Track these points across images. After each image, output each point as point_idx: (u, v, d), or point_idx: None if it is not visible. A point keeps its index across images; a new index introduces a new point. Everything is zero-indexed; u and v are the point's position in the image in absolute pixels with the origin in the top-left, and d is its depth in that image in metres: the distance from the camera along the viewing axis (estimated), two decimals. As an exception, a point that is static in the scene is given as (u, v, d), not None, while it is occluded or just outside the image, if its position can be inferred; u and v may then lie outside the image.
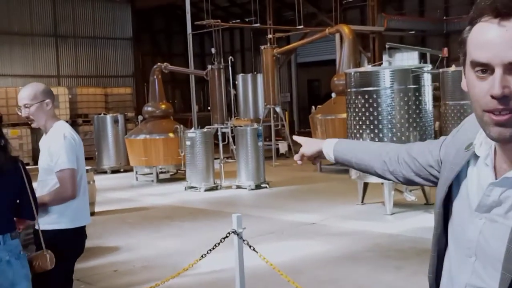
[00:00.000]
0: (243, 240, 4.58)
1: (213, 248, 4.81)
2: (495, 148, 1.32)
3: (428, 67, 9.99)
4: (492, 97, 1.19)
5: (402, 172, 1.75)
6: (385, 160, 1.82)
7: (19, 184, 3.35)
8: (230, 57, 17.23)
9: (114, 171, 16.17)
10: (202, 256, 4.91)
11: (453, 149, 1.46)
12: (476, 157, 1.36)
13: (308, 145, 2.19)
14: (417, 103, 9.15)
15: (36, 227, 3.57)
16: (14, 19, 23.01)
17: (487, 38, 1.19)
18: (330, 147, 2.07)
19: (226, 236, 4.68)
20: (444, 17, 22.32)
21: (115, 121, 16.42)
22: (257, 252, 4.73)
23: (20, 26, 23.21)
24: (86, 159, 14.39)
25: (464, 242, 1.34)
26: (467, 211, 1.34)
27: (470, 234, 1.32)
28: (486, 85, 1.20)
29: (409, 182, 1.76)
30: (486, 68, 1.20)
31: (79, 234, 3.81)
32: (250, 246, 4.66)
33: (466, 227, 1.33)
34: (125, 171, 15.98)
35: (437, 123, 13.22)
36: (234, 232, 4.56)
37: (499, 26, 1.19)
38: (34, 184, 3.60)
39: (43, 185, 3.75)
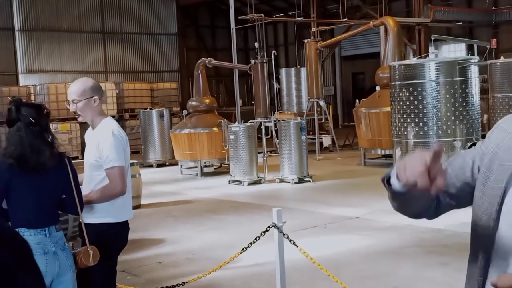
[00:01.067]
0: (284, 234, 4.61)
1: (254, 242, 4.86)
2: None
3: (475, 59, 9.78)
4: None
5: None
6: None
7: (64, 180, 3.44)
8: (274, 51, 17.24)
9: (160, 165, 16.43)
10: (243, 249, 4.96)
11: (493, 147, 1.45)
12: None
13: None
14: (464, 95, 8.98)
15: (85, 221, 3.65)
16: (63, 17, 23.60)
17: None
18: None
19: (267, 230, 4.71)
20: (493, 8, 21.73)
21: (161, 116, 16.67)
22: (297, 246, 4.74)
23: (69, 23, 23.79)
24: (133, 153, 14.67)
25: None
26: None
27: None
28: None
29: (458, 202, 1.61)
30: None
31: (123, 228, 3.89)
32: (290, 240, 4.68)
33: None
34: (170, 164, 16.21)
35: (485, 116, 12.93)
36: (275, 226, 4.58)
37: None
38: (80, 179, 3.71)
39: (89, 181, 3.82)
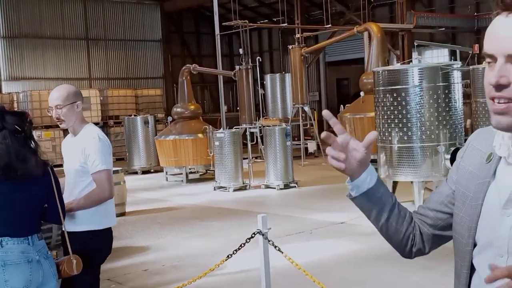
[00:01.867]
0: (269, 240, 4.60)
1: (239, 249, 4.84)
2: None
3: (458, 64, 9.86)
4: (491, 84, 1.28)
5: (423, 230, 1.62)
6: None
7: (47, 188, 3.42)
8: (258, 57, 17.27)
9: (145, 172, 16.36)
10: (228, 256, 4.95)
11: (468, 167, 1.48)
12: (497, 163, 1.40)
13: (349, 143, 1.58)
14: (447, 100, 9.03)
15: (68, 229, 3.62)
16: (46, 23, 23.45)
17: (493, 31, 1.30)
18: (366, 182, 1.60)
19: (252, 237, 4.70)
20: (475, 14, 21.97)
21: (145, 122, 16.61)
22: (282, 252, 4.74)
23: (52, 30, 23.65)
24: (117, 160, 14.65)
25: (494, 241, 1.34)
26: (495, 212, 1.35)
27: (500, 232, 1.33)
28: (491, 74, 1.29)
29: (431, 243, 1.63)
30: (492, 60, 1.29)
31: (107, 235, 3.87)
32: (275, 246, 4.68)
33: (496, 227, 1.34)
34: (155, 171, 16.16)
35: (468, 121, 13.04)
36: (259, 232, 4.57)
37: (506, 20, 1.28)
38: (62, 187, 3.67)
39: (73, 187, 3.80)
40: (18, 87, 22.00)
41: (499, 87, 1.26)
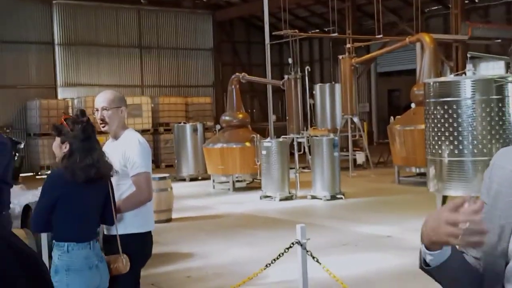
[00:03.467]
0: (307, 251, 4.55)
1: (277, 258, 4.81)
2: None
3: (513, 76, 9.58)
4: None
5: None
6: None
7: (106, 190, 3.50)
8: (307, 67, 17.21)
9: (193, 179, 16.51)
10: (266, 265, 4.92)
11: (496, 186, 1.45)
12: None
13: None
14: (500, 114, 8.79)
15: (113, 232, 3.68)
16: (101, 31, 24.07)
17: None
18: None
19: (290, 247, 4.67)
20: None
21: (194, 130, 16.79)
22: (320, 264, 4.68)
23: (107, 38, 24.24)
24: (167, 166, 14.85)
25: None
26: None
27: None
28: None
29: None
30: None
31: (147, 239, 3.91)
32: (313, 258, 4.62)
33: None
34: (203, 179, 16.28)
35: (523, 135, 12.62)
36: (298, 242, 4.53)
37: None
38: None
39: (116, 190, 3.88)
40: (73, 93, 22.63)
41: None
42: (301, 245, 4.50)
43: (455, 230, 1.28)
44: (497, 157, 1.52)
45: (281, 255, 4.85)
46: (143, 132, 18.05)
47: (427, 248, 1.42)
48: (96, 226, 3.51)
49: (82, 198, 3.37)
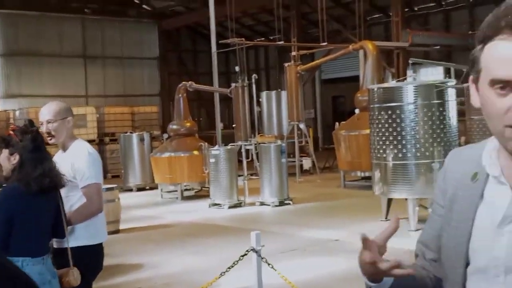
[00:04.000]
0: (262, 258, 4.57)
1: (232, 266, 4.81)
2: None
3: (452, 82, 9.92)
4: None
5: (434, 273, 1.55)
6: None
7: (57, 202, 3.41)
8: (254, 74, 17.32)
9: (140, 189, 16.31)
10: (220, 274, 4.92)
11: (451, 189, 1.45)
12: (485, 183, 1.37)
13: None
14: (441, 118, 9.07)
15: (64, 245, 3.60)
16: (44, 40, 23.54)
17: (509, 55, 1.22)
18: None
19: (245, 254, 4.68)
20: (470, 32, 22.13)
21: (141, 140, 16.60)
22: (275, 270, 4.71)
23: (50, 47, 23.74)
24: (113, 177, 14.55)
25: (490, 262, 1.32)
26: (489, 233, 1.33)
27: (496, 252, 1.31)
28: (507, 102, 1.22)
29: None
30: (507, 85, 1.22)
31: (98, 251, 3.85)
32: (268, 264, 4.65)
33: (491, 248, 1.32)
34: (151, 188, 16.10)
35: (462, 138, 13.05)
36: (253, 249, 4.55)
37: None
38: None
39: (65, 202, 3.81)
40: (15, 104, 22.01)
41: None
42: (256, 252, 4.52)
43: (374, 268, 1.40)
44: (449, 160, 1.52)
45: (236, 262, 4.85)
46: (88, 142, 17.71)
47: (369, 280, 1.47)
48: (49, 240, 3.41)
49: (37, 210, 3.28)
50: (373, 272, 1.43)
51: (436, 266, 1.52)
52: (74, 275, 3.48)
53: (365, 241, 1.41)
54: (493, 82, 1.24)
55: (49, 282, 3.28)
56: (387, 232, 1.45)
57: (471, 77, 1.33)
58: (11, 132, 3.37)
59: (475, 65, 1.30)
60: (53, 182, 3.29)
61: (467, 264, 1.37)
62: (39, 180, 3.21)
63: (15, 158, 3.28)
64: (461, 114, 11.65)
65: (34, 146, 3.29)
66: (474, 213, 1.36)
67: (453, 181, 1.45)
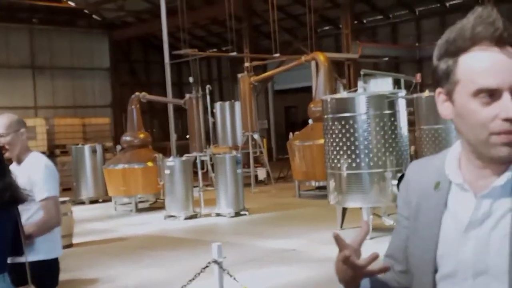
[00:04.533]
0: (224, 270, 4.60)
1: (193, 279, 4.81)
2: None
3: (402, 92, 10.20)
4: (506, 119, 1.24)
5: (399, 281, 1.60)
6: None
7: (15, 218, 3.32)
8: (208, 85, 17.35)
9: (92, 202, 16.04)
10: (182, 287, 4.90)
11: (415, 199, 1.49)
12: (448, 191, 1.41)
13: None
14: (393, 128, 9.30)
15: (19, 260, 3.50)
16: (-11, 51, 22.95)
17: (494, 64, 1.26)
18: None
19: (207, 266, 4.69)
20: (417, 44, 22.81)
21: (93, 151, 16.35)
22: (238, 282, 4.74)
23: (-4, 57, 23.15)
24: (64, 190, 14.24)
25: (457, 267, 1.36)
26: (455, 239, 1.37)
27: (463, 256, 1.35)
28: (493, 110, 1.26)
29: None
30: (491, 94, 1.25)
31: (54, 266, 3.79)
32: (230, 276, 4.68)
33: (457, 253, 1.36)
34: (104, 201, 15.86)
35: (412, 147, 13.42)
36: (215, 261, 4.57)
37: (502, 53, 1.27)
38: None
39: (22, 215, 3.73)
40: (-41, 116, 21.31)
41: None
42: (218, 264, 4.54)
43: (351, 271, 1.45)
44: (410, 171, 1.55)
45: (198, 275, 4.85)
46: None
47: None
48: (7, 257, 3.33)
49: None
50: (351, 276, 1.47)
51: (405, 277, 1.55)
52: None
53: (338, 240, 1.47)
54: (479, 92, 1.27)
55: None
56: (361, 236, 1.50)
57: (439, 90, 1.36)
58: None
59: (450, 78, 1.32)
60: (13, 196, 3.21)
61: (436, 271, 1.41)
62: (1, 194, 3.14)
63: None
64: (410, 124, 12.00)
65: None
66: (440, 220, 1.40)
67: (416, 192, 1.48)
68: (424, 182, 1.47)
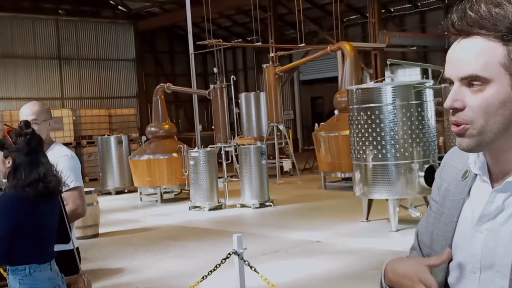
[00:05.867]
0: (244, 261, 4.54)
1: (214, 270, 4.77)
2: (487, 164, 1.37)
3: (429, 82, 9.99)
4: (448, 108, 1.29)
5: None
6: None
7: (60, 206, 3.33)
8: (233, 76, 17.28)
9: (118, 192, 16.16)
10: (203, 277, 4.87)
11: (446, 185, 1.49)
12: (473, 181, 1.41)
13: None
14: (420, 118, 9.12)
15: (70, 246, 3.50)
16: (17, 42, 23.21)
17: (449, 55, 1.32)
18: None
19: (227, 257, 4.64)
20: (445, 32, 22.36)
21: (119, 142, 16.44)
22: (258, 273, 4.68)
23: (24, 49, 23.41)
24: (91, 180, 14.42)
25: (467, 259, 1.35)
26: (468, 230, 1.37)
27: (473, 249, 1.34)
28: (449, 97, 1.30)
29: None
30: (450, 83, 1.31)
31: (75, 256, 3.77)
32: (251, 267, 4.62)
33: (469, 244, 1.35)
34: (129, 191, 15.96)
35: (441, 138, 13.19)
36: (235, 252, 4.51)
37: (458, 44, 1.31)
38: None
39: None
40: (-11, 107, 21.66)
41: (454, 110, 1.28)
42: (238, 255, 4.48)
43: None
44: (448, 156, 1.54)
45: (218, 266, 4.81)
46: (65, 145, 17.51)
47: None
48: (53, 245, 3.33)
49: (40, 216, 3.19)
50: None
51: None
52: (84, 282, 3.39)
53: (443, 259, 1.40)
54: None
55: (59, 287, 3.21)
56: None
57: None
58: (6, 134, 3.27)
59: None
60: (48, 188, 3.18)
61: (450, 259, 1.40)
62: (33, 185, 3.12)
63: (9, 162, 3.19)
64: (438, 114, 11.78)
65: (29, 149, 3.19)
66: (460, 210, 1.40)
67: (448, 177, 1.48)
68: (457, 168, 1.47)
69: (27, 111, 3.77)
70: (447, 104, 1.28)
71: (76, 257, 3.49)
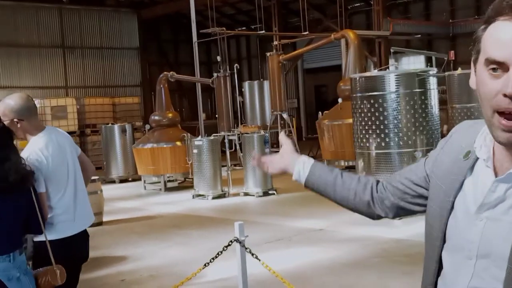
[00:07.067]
0: (246, 248, 4.56)
1: (216, 257, 4.80)
2: (493, 150, 1.33)
3: (433, 70, 9.96)
4: (505, 95, 1.18)
5: (389, 198, 1.68)
6: (371, 188, 1.76)
7: (30, 197, 3.33)
8: (236, 64, 17.25)
9: (122, 181, 16.21)
10: (205, 265, 4.90)
11: (446, 159, 1.46)
12: (473, 163, 1.38)
13: (281, 156, 2.00)
14: (423, 106, 9.10)
15: (42, 238, 3.51)
16: (21, 31, 23.19)
17: (506, 36, 1.19)
18: (302, 173, 1.90)
19: (229, 245, 4.66)
20: (450, 20, 22.25)
21: (123, 131, 16.48)
22: (259, 260, 4.71)
23: (27, 38, 23.39)
24: (95, 168, 14.35)
25: (465, 244, 1.34)
26: (467, 215, 1.35)
27: (471, 236, 1.32)
28: (498, 84, 1.20)
29: (396, 212, 1.70)
30: (499, 67, 1.19)
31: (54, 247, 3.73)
32: (252, 254, 4.64)
33: (467, 230, 1.34)
34: (133, 180, 16.02)
35: (445, 126, 13.14)
36: (237, 240, 4.54)
37: None
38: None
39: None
40: (-8, 96, 21.68)
41: None
42: (240, 243, 4.50)
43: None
44: (456, 129, 1.51)
45: (219, 253, 4.83)
46: (69, 134, 17.57)
47: None
48: (19, 237, 3.32)
49: (1, 207, 3.19)
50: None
51: (390, 190, 1.67)
52: (56, 274, 3.36)
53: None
54: (488, 62, 1.21)
55: (17, 279, 3.20)
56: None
57: (473, 57, 1.31)
58: None
59: (476, 45, 1.28)
60: (17, 179, 3.19)
61: (445, 241, 1.41)
62: (2, 178, 3.13)
63: None
64: (442, 102, 11.74)
65: None
66: (457, 190, 1.38)
67: (451, 153, 1.45)
68: (460, 146, 1.43)
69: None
70: (510, 90, 1.17)
71: (49, 249, 3.46)
